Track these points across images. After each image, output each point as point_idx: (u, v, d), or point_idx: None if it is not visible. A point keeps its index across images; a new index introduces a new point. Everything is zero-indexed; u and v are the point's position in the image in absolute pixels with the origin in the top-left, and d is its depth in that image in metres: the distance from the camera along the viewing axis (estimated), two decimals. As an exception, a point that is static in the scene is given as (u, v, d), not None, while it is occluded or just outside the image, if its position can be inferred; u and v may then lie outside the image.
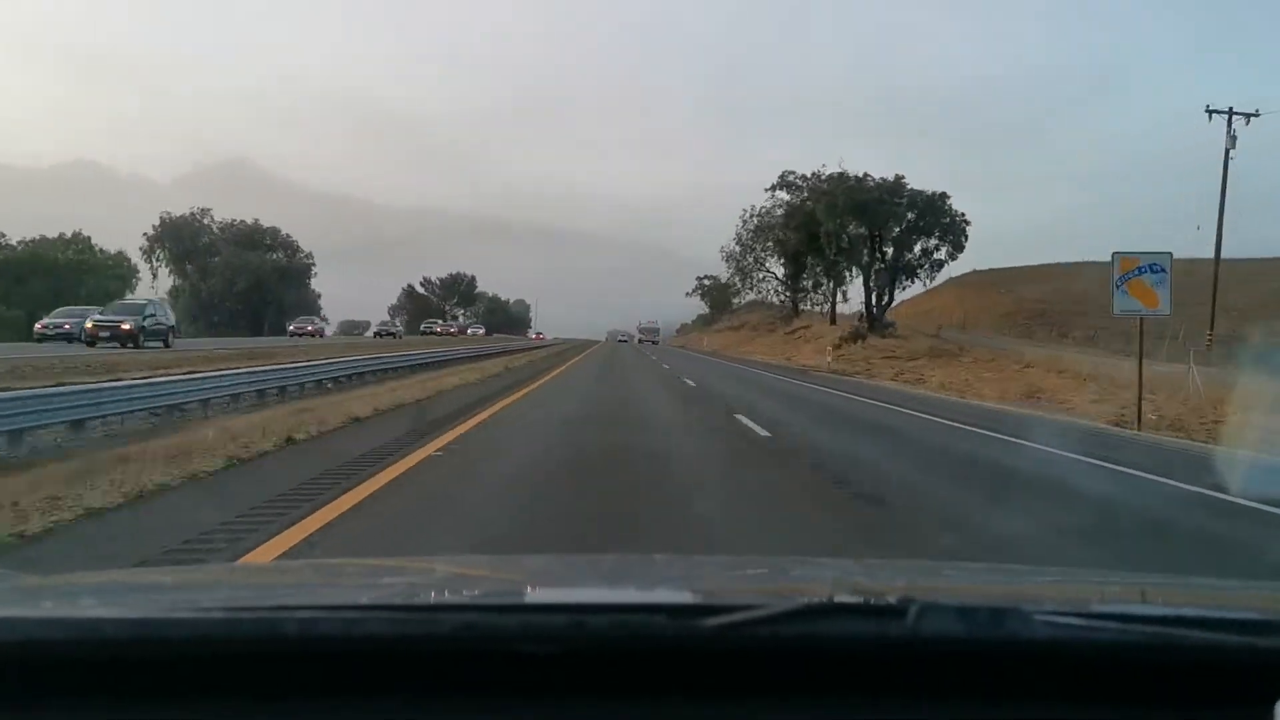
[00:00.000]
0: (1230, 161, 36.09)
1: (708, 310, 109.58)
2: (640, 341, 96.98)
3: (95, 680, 1.15)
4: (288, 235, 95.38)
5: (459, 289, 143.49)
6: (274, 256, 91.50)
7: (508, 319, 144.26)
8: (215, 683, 1.16)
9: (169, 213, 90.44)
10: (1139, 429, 15.54)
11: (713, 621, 1.14)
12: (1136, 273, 16.61)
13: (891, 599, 1.18)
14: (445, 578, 2.03)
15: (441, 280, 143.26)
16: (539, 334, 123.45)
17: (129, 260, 76.45)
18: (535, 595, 1.73)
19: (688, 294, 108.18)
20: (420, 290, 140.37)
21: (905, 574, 2.29)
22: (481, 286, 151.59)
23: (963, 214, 50.90)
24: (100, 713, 1.15)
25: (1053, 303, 59.63)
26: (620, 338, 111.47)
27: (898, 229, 50.72)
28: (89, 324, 28.14)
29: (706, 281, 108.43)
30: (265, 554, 5.04)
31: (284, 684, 1.16)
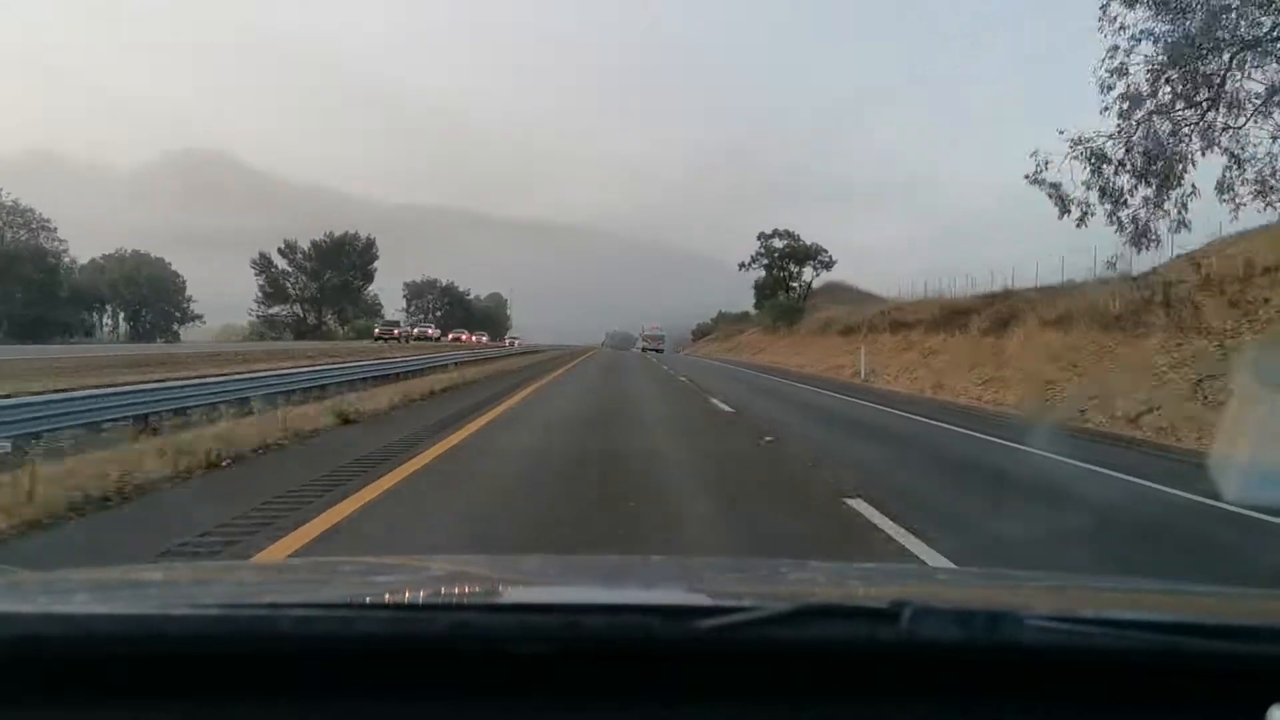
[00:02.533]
0: None
1: (755, 299, 70.76)
2: (644, 350, 76.17)
3: (90, 676, 1.15)
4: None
5: (348, 258, 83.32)
6: None
7: (467, 316, 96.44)
8: (210, 679, 1.16)
9: None
10: None
11: (708, 623, 1.14)
12: None
13: (885, 602, 1.18)
14: (441, 577, 2.03)
15: (317, 245, 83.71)
16: (422, 329, 66.51)
17: None
18: (530, 595, 1.73)
19: (742, 266, 69.66)
20: (280, 264, 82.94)
21: (900, 578, 2.30)
22: (466, 285, 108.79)
23: None
24: (95, 708, 1.15)
25: None
26: (633, 346, 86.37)
27: None
28: None
29: (778, 243, 64.66)
30: None
31: (279, 681, 1.16)
